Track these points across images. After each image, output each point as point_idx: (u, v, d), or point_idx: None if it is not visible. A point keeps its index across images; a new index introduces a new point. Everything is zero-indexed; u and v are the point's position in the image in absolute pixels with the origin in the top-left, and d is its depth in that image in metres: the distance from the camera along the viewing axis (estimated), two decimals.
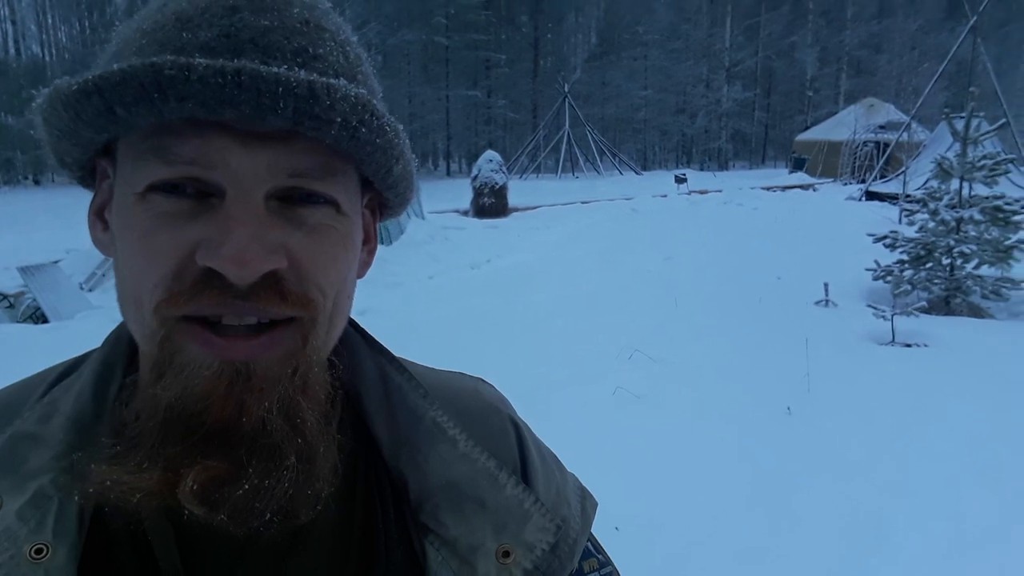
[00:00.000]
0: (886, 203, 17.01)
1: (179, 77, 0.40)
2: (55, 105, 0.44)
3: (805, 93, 47.87)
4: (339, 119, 0.43)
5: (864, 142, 26.87)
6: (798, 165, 30.66)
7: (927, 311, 6.52)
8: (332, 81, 0.43)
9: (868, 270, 7.68)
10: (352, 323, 0.59)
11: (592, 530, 0.64)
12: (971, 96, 8.44)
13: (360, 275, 0.55)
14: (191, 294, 0.43)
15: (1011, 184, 11.94)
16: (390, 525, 0.53)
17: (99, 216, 0.51)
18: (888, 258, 7.80)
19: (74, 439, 0.48)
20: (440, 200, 18.04)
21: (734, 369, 5.05)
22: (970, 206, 7.48)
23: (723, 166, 44.69)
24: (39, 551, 0.45)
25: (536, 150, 33.06)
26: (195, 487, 0.42)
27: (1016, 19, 45.34)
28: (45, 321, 7.09)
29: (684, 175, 24.22)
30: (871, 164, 25.18)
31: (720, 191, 22.26)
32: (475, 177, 16.96)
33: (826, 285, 7.29)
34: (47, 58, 34.82)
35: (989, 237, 7.29)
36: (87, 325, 6.45)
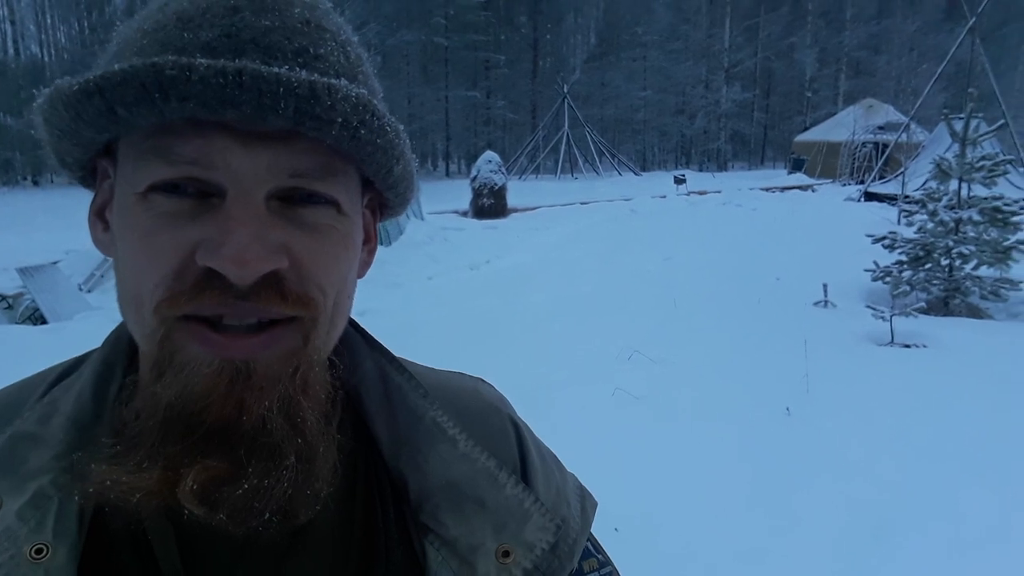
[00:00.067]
0: (885, 204, 17.01)
1: (180, 77, 0.40)
2: (56, 105, 0.44)
3: (804, 94, 47.90)
4: (340, 119, 0.43)
5: (863, 143, 26.89)
6: (797, 166, 30.68)
7: (926, 312, 6.53)
8: (333, 81, 0.43)
9: (867, 271, 7.68)
10: (352, 323, 0.59)
11: (592, 530, 0.64)
12: (970, 97, 8.44)
13: (360, 275, 0.55)
14: (192, 294, 0.43)
15: (1010, 185, 11.97)
16: (390, 525, 0.53)
17: (100, 216, 0.51)
18: (887, 259, 7.81)
19: (74, 439, 0.48)
20: (439, 201, 18.04)
21: (733, 370, 5.05)
22: (969, 207, 7.48)
23: (722, 167, 44.72)
24: (39, 551, 0.45)
25: (535, 151, 33.05)
26: (195, 487, 0.42)
27: (1014, 20, 45.38)
28: (44, 322, 7.08)
29: (683, 176, 24.22)
30: (870, 165, 25.20)
31: (719, 192, 22.26)
32: (474, 178, 16.96)
33: (825, 286, 7.29)
34: (46, 58, 34.78)
35: (988, 238, 7.30)
36: (86, 326, 6.44)
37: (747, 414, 4.26)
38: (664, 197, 20.81)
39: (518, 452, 0.60)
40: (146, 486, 0.43)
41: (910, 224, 7.96)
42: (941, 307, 7.36)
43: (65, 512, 0.46)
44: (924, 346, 5.77)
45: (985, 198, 7.51)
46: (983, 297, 7.26)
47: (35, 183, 30.28)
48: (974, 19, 18.59)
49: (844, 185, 24.76)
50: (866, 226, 10.61)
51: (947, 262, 7.45)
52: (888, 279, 7.46)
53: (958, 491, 3.34)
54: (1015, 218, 7.28)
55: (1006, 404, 4.37)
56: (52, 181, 30.05)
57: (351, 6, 26.60)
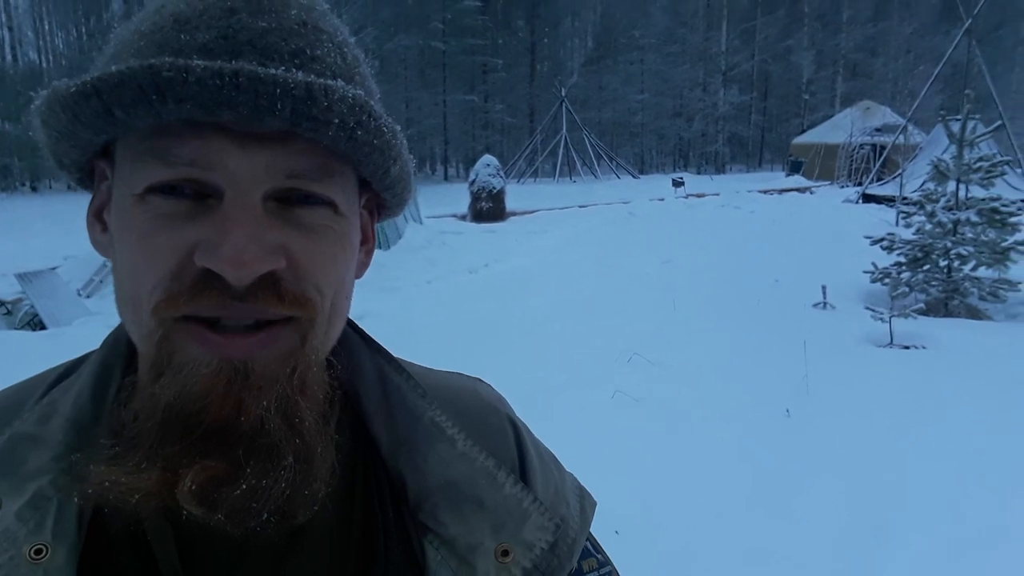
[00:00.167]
0: (883, 205, 17.04)
1: (177, 79, 0.40)
2: (53, 107, 0.44)
3: (801, 96, 47.97)
4: (336, 120, 0.43)
5: (860, 145, 26.94)
6: (795, 168, 30.73)
7: (925, 313, 6.53)
8: (330, 82, 0.43)
9: (865, 272, 7.69)
10: (351, 324, 0.59)
11: (591, 531, 0.64)
12: (967, 98, 8.46)
13: (358, 275, 0.55)
14: (190, 295, 0.43)
15: (1007, 186, 11.98)
16: (389, 525, 0.53)
17: (98, 217, 0.52)
18: (885, 260, 7.81)
19: (73, 440, 0.48)
20: (438, 205, 18.05)
21: (733, 372, 5.05)
22: (967, 208, 7.49)
23: (720, 169, 44.74)
24: (38, 552, 0.45)
25: (533, 154, 33.08)
26: (193, 487, 0.42)
27: (1010, 22, 45.52)
28: (43, 328, 7.07)
29: (681, 178, 24.24)
30: (868, 167, 25.24)
31: (717, 194, 22.28)
32: (473, 182, 16.97)
33: (824, 288, 7.30)
34: (44, 64, 34.77)
35: (986, 239, 7.31)
36: (85, 331, 6.43)
37: (747, 415, 4.26)
38: (662, 200, 20.83)
39: (516, 451, 0.60)
40: (145, 487, 0.43)
41: (908, 225, 7.97)
42: (940, 308, 7.36)
43: (64, 513, 0.46)
44: (923, 347, 5.77)
45: (983, 199, 7.52)
46: (982, 298, 7.27)
47: (34, 189, 30.27)
48: (970, 21, 18.65)
49: (842, 187, 24.79)
50: (864, 228, 10.63)
51: (945, 263, 7.46)
52: (887, 280, 7.47)
53: (958, 491, 3.34)
54: (1013, 219, 7.30)
55: (1006, 405, 4.38)
56: (51, 187, 30.05)
57: (349, 10, 26.65)
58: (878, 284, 7.61)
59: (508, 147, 41.74)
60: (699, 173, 39.83)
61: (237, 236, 0.42)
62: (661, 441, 3.91)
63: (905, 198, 10.80)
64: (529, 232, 14.49)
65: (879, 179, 21.38)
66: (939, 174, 7.82)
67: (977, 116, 9.05)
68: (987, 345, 5.72)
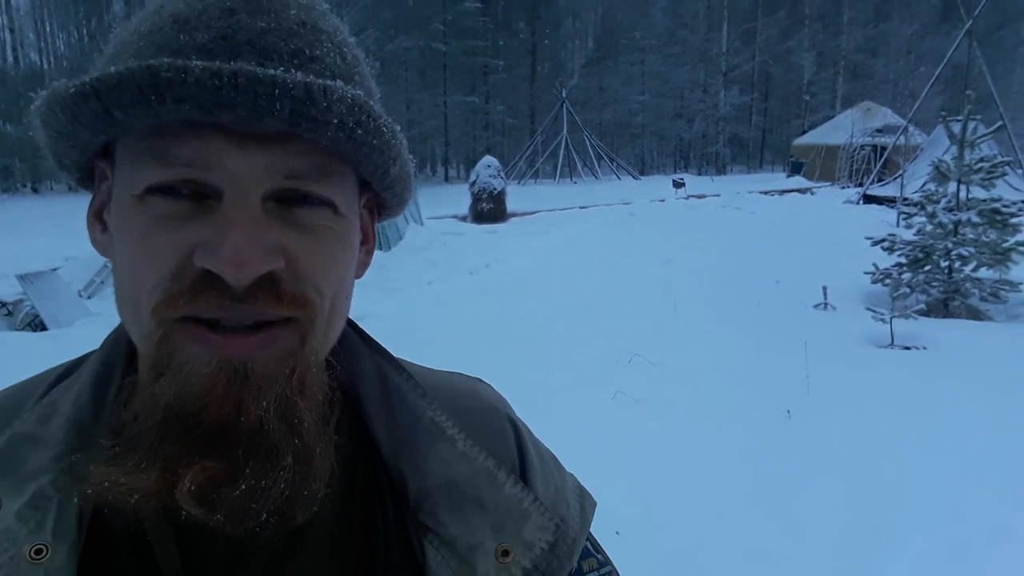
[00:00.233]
0: (884, 206, 17.04)
1: (176, 79, 0.40)
2: (53, 107, 0.44)
3: (802, 97, 47.98)
4: (336, 120, 0.43)
5: (861, 146, 26.93)
6: (796, 169, 30.73)
7: (926, 314, 6.53)
8: (329, 83, 0.43)
9: (866, 273, 7.68)
10: (351, 324, 0.59)
11: (592, 531, 0.64)
12: (967, 99, 8.46)
13: (358, 275, 0.55)
14: (190, 296, 0.43)
15: (1008, 187, 11.97)
16: (389, 525, 0.53)
17: (98, 217, 0.52)
18: (886, 261, 7.81)
19: (73, 440, 0.48)
20: (439, 206, 18.05)
21: (734, 372, 5.05)
22: (968, 209, 7.49)
23: (721, 170, 44.74)
24: (39, 551, 0.45)
25: (534, 155, 33.09)
26: (192, 487, 0.42)
27: (1011, 22, 45.52)
28: (44, 329, 7.07)
29: (682, 179, 24.25)
30: (868, 168, 25.24)
31: (718, 195, 22.26)
32: (473, 183, 16.97)
33: (824, 288, 7.29)
34: (45, 66, 34.82)
35: (987, 239, 7.31)
36: (86, 332, 6.44)
37: (748, 416, 4.25)
38: (663, 201, 20.83)
39: (517, 451, 0.60)
40: (144, 487, 0.43)
41: (909, 226, 7.97)
42: (941, 309, 7.36)
43: (65, 513, 0.46)
44: (924, 348, 5.77)
45: (984, 200, 7.52)
46: (983, 299, 7.26)
47: (35, 190, 30.31)
48: (971, 22, 18.64)
49: (843, 188, 24.78)
50: (865, 229, 10.62)
51: (946, 264, 7.46)
52: (888, 281, 7.47)
53: (959, 492, 3.34)
54: (1014, 219, 7.29)
55: (1006, 405, 4.37)
56: (52, 188, 30.09)
57: (349, 12, 26.67)
58: (879, 285, 7.61)
59: (509, 148, 41.76)
60: (700, 174, 39.85)
61: (236, 237, 0.42)
62: (662, 442, 3.91)
63: (906, 199, 10.80)
64: (530, 233, 14.49)
65: (880, 180, 21.37)
66: (940, 175, 7.82)
67: (978, 117, 9.05)
68: (988, 346, 5.72)
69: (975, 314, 7.27)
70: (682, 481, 3.47)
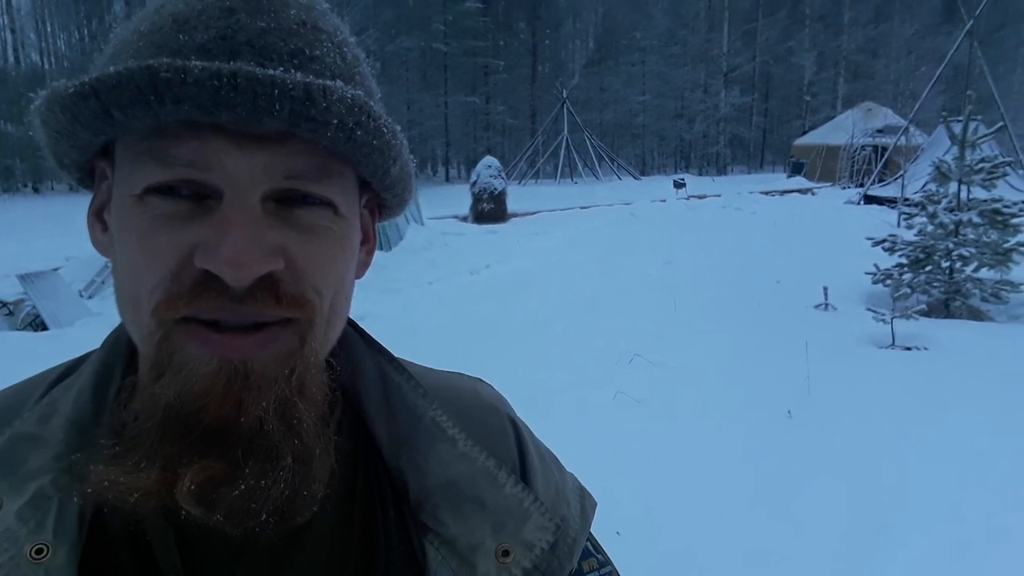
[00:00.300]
0: (884, 207, 17.04)
1: (175, 80, 0.40)
2: (52, 107, 0.44)
3: (803, 97, 47.95)
4: (335, 121, 0.43)
5: (862, 146, 26.92)
6: (796, 169, 30.73)
7: (926, 314, 6.52)
8: (328, 83, 0.43)
9: (867, 274, 7.68)
10: (351, 323, 0.59)
11: (592, 531, 0.64)
12: (968, 100, 8.46)
13: (359, 275, 0.55)
14: (190, 297, 0.43)
15: (1009, 187, 11.96)
16: (390, 525, 0.53)
17: (98, 217, 0.51)
18: (887, 261, 7.81)
19: (74, 439, 0.48)
20: (439, 206, 18.05)
21: (735, 373, 5.04)
22: (968, 209, 7.49)
23: (721, 171, 44.73)
24: (39, 551, 0.45)
25: (535, 156, 33.10)
26: (192, 487, 0.42)
27: (1012, 23, 45.49)
28: (44, 328, 7.08)
29: (683, 180, 24.24)
30: (869, 168, 25.23)
31: (719, 196, 22.26)
32: (474, 183, 16.98)
33: (825, 289, 7.29)
34: (46, 66, 34.84)
35: (988, 240, 7.31)
36: (86, 332, 6.44)
37: (748, 416, 4.25)
38: (664, 201, 20.82)
39: (517, 451, 0.60)
40: (144, 486, 0.43)
41: (910, 227, 7.97)
42: (942, 309, 7.35)
43: (65, 512, 0.46)
44: (925, 348, 5.77)
45: (985, 200, 7.52)
46: (984, 299, 7.26)
47: (36, 190, 30.33)
48: (972, 22, 18.63)
49: (843, 188, 24.77)
50: (866, 229, 10.62)
51: (947, 264, 7.46)
52: (888, 282, 7.46)
53: (959, 492, 3.34)
54: (1015, 220, 7.29)
55: (1007, 406, 4.37)
56: (53, 188, 30.11)
57: (350, 12, 26.67)
58: (880, 285, 7.61)
59: (509, 148, 41.77)
60: (700, 174, 39.84)
61: (235, 237, 0.42)
62: (662, 442, 3.91)
63: (907, 199, 10.80)
64: (530, 233, 14.48)
65: (880, 180, 21.37)
66: (941, 175, 7.82)
67: (979, 117, 9.05)
68: (989, 346, 5.71)
69: (976, 315, 7.26)
70: (683, 481, 3.47)
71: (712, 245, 11.88)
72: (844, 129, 28.25)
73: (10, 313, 7.81)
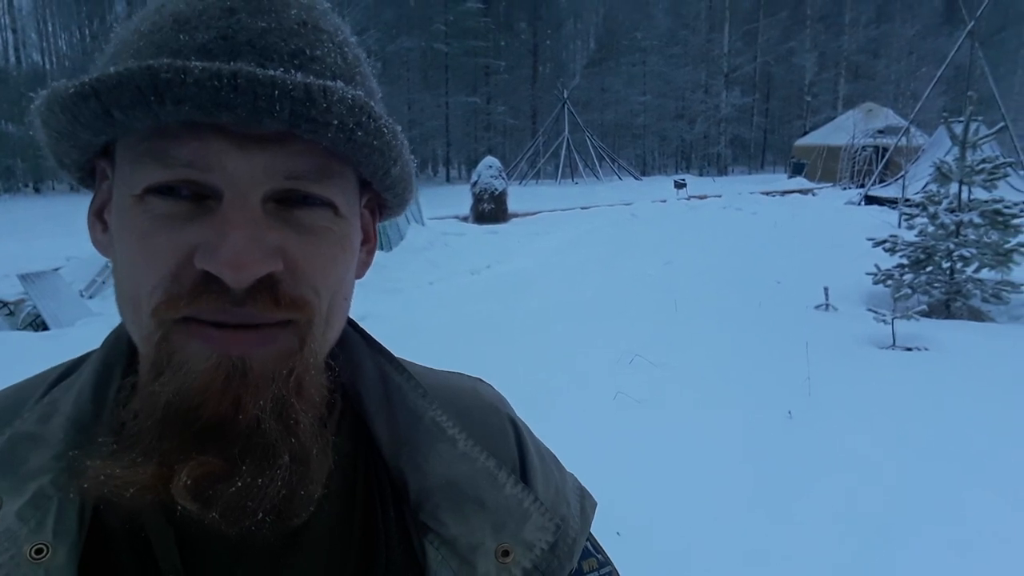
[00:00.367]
0: (885, 207, 17.03)
1: (175, 80, 0.40)
2: (53, 107, 0.44)
3: (804, 98, 47.94)
4: (336, 121, 0.43)
5: (863, 146, 26.91)
6: (797, 170, 30.73)
7: (927, 315, 6.52)
8: (329, 83, 0.43)
9: (868, 274, 7.68)
10: (352, 323, 0.59)
11: (592, 531, 0.64)
12: (969, 100, 8.45)
13: (359, 275, 0.55)
14: (190, 298, 0.43)
15: (1010, 188, 11.96)
16: (390, 525, 0.53)
17: (99, 217, 0.52)
18: (888, 262, 7.81)
19: (74, 439, 0.48)
20: (440, 206, 18.05)
21: (735, 373, 5.04)
22: (969, 210, 7.49)
23: (722, 171, 44.72)
24: (39, 551, 0.45)
25: (535, 156, 33.10)
26: (188, 482, 0.42)
27: (1013, 24, 45.48)
28: (45, 328, 7.08)
29: (683, 180, 24.25)
30: (870, 168, 25.22)
31: (719, 196, 22.24)
32: (475, 183, 16.98)
33: (826, 289, 7.29)
34: (47, 66, 34.87)
35: (989, 240, 7.30)
36: (87, 332, 6.44)
37: (749, 417, 4.25)
38: (664, 201, 20.82)
39: (517, 452, 0.60)
40: (140, 480, 0.42)
41: (911, 227, 7.97)
42: (942, 310, 7.35)
43: (65, 512, 0.46)
44: (926, 349, 5.76)
45: (985, 201, 7.52)
46: (984, 300, 7.26)
47: (36, 190, 30.34)
48: (973, 23, 18.63)
49: (844, 189, 24.77)
50: (867, 230, 10.62)
51: (948, 265, 7.45)
52: (889, 282, 7.46)
53: (960, 493, 3.34)
54: (1015, 221, 7.29)
55: (1008, 406, 4.37)
56: (53, 188, 30.13)
57: (351, 12, 26.68)
58: (880, 286, 7.61)
59: (510, 149, 41.78)
60: (701, 175, 39.86)
61: (235, 238, 0.42)
62: (663, 442, 3.90)
63: (908, 200, 10.79)
64: (531, 233, 14.49)
65: (881, 181, 21.36)
66: (941, 176, 7.81)
67: (980, 118, 9.05)
68: (989, 347, 5.71)
69: (977, 315, 7.26)
70: (683, 482, 3.47)
71: (713, 245, 11.88)
72: (845, 130, 28.24)
73: (11, 313, 7.82)
